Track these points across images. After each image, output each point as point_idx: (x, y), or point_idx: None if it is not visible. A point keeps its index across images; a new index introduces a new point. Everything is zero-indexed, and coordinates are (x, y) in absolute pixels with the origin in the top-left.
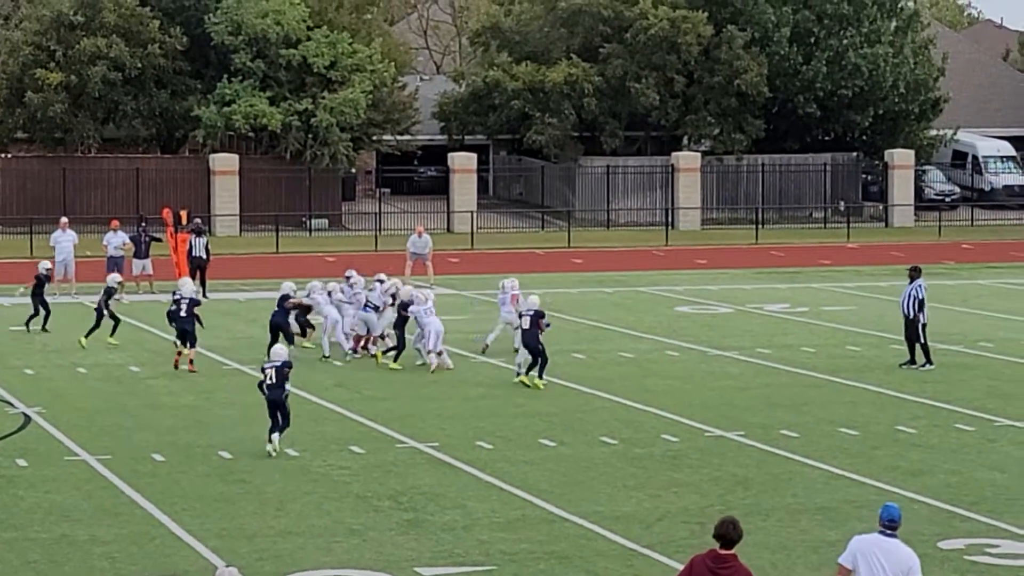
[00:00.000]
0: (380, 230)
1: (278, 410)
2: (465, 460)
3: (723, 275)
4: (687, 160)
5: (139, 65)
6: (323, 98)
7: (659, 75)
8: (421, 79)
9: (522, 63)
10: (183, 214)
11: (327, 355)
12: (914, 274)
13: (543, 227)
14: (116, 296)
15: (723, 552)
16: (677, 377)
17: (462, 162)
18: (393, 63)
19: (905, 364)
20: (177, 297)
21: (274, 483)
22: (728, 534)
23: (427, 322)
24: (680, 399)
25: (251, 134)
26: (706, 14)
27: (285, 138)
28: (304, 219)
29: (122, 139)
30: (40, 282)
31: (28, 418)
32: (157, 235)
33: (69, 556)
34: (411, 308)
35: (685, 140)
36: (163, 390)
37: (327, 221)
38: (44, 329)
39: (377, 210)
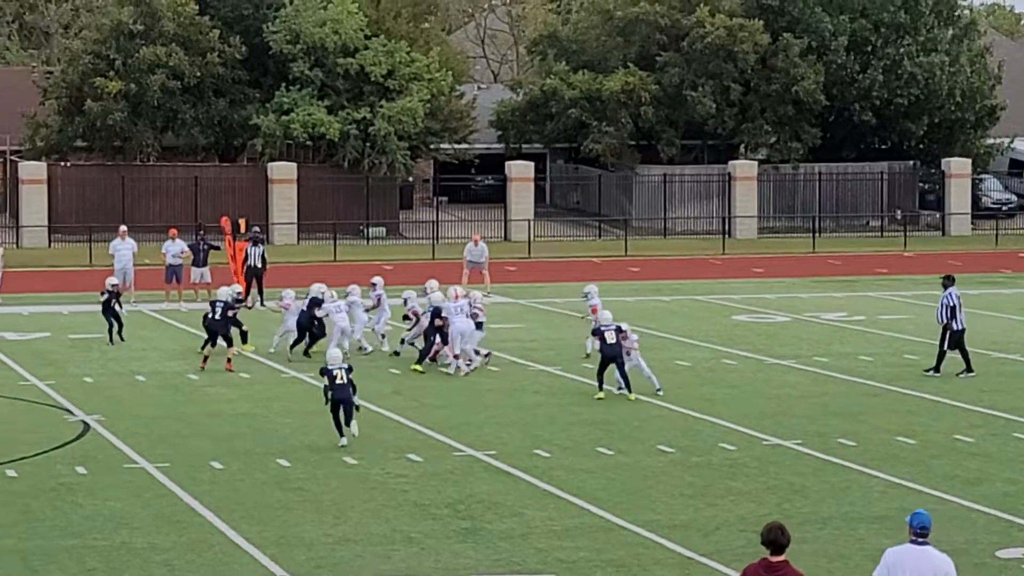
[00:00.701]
0: (437, 239)
1: (344, 407)
2: (522, 468)
3: (780, 283)
4: (744, 168)
5: (198, 74)
6: (381, 107)
7: (716, 83)
8: (478, 88)
9: (579, 72)
10: (241, 222)
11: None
12: (947, 282)
13: (600, 235)
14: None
15: (774, 560)
16: (734, 385)
17: (519, 171)
18: (451, 72)
19: (962, 373)
20: (212, 300)
21: (332, 491)
22: (778, 540)
23: (452, 322)
24: (737, 408)
25: (309, 143)
26: (763, 22)
27: (343, 147)
28: (362, 227)
29: (181, 147)
30: (108, 298)
31: (87, 426)
32: (215, 243)
33: (128, 564)
34: (444, 305)
35: (742, 148)
36: (221, 398)
37: (385, 229)
38: (111, 341)
39: (434, 218)
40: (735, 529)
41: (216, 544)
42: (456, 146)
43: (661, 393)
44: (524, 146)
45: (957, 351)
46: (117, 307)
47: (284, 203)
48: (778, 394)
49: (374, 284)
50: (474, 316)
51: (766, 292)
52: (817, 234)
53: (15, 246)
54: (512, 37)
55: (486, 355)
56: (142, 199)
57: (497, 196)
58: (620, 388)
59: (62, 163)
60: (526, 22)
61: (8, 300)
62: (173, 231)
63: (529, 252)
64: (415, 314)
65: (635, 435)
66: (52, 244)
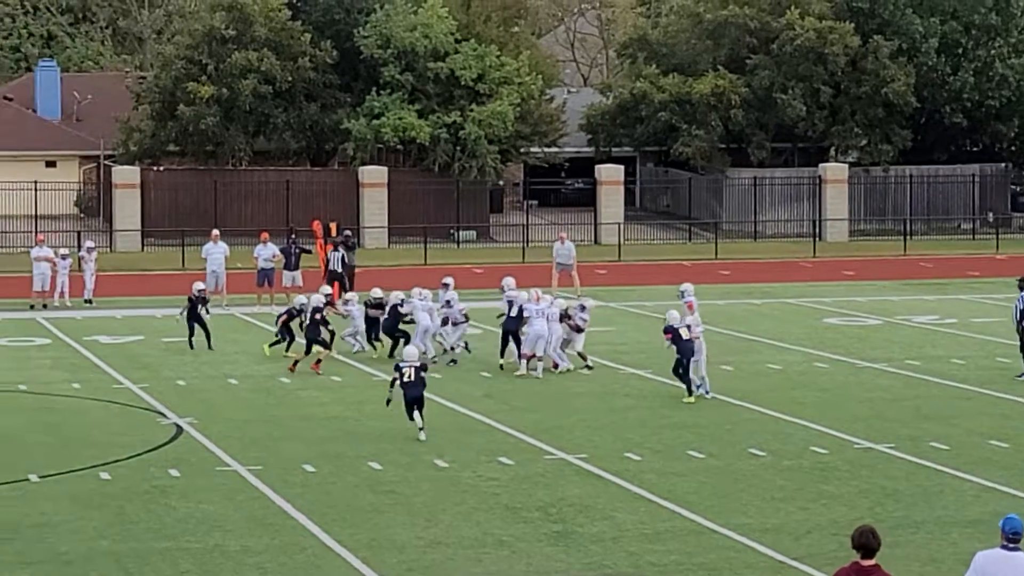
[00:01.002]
0: (527, 242)
1: (417, 404)
2: (613, 471)
3: (871, 286)
4: (834, 171)
5: (289, 78)
6: (471, 111)
7: (806, 86)
8: (568, 91)
9: (669, 75)
10: (332, 226)
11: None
12: (1023, 285)
13: (690, 239)
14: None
15: (866, 564)
16: (825, 389)
17: (609, 174)
18: (540, 76)
19: None
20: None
21: (423, 494)
22: (869, 543)
23: (531, 323)
24: (829, 411)
25: (400, 147)
26: (853, 25)
27: (433, 151)
28: (452, 231)
29: (272, 152)
30: (193, 304)
31: (180, 429)
32: (307, 247)
33: (221, 566)
34: (525, 305)
35: (832, 151)
36: (313, 401)
37: (475, 233)
38: (209, 345)
39: (525, 222)
40: (827, 533)
41: (308, 547)
42: (546, 149)
43: (709, 397)
44: (614, 149)
45: None
46: (204, 313)
47: (375, 207)
48: (870, 397)
49: (446, 285)
50: (577, 325)
51: (857, 295)
52: (908, 237)
53: (109, 250)
54: (602, 40)
55: (589, 367)
56: (234, 203)
57: (587, 199)
58: (698, 387)
59: (155, 167)
60: (615, 25)
61: (102, 304)
62: (265, 235)
63: (619, 255)
64: (465, 316)
65: (726, 438)
66: (145, 248)
